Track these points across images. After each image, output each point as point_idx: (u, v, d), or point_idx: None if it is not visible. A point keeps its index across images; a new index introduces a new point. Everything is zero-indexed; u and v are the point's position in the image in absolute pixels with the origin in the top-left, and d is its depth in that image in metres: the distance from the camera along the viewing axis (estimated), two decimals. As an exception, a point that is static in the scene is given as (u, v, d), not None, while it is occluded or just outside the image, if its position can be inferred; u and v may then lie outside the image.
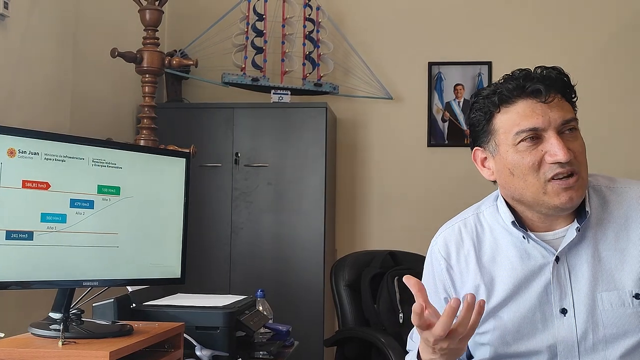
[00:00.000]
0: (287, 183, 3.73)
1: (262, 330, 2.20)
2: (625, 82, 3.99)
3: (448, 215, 1.69)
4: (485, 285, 1.51)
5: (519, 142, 1.42)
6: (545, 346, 1.47)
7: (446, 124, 4.06)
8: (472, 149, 1.55)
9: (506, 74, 1.48)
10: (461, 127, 4.04)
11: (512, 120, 1.43)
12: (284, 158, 3.73)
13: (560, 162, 1.38)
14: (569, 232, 1.47)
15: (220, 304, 2.01)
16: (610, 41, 3.99)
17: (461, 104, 4.05)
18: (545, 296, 1.47)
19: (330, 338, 2.93)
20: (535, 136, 1.41)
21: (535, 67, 1.46)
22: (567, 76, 1.46)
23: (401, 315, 2.71)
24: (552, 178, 1.40)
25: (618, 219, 1.48)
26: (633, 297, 1.43)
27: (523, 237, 1.49)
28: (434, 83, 4.08)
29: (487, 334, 1.50)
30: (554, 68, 1.45)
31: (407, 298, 2.74)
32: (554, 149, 1.39)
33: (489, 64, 4.03)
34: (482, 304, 1.29)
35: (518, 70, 1.46)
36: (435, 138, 4.07)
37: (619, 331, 1.43)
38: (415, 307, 1.27)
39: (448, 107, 4.06)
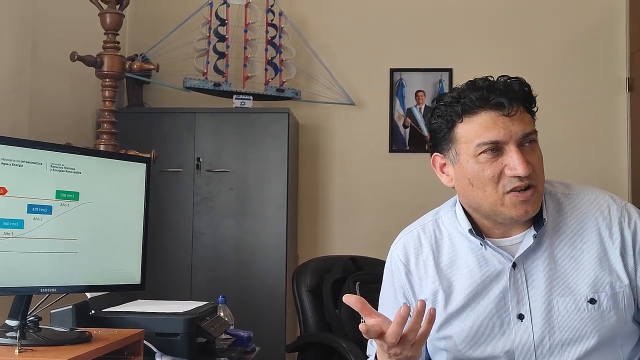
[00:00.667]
0: (249, 188, 3.72)
1: (224, 336, 2.18)
2: (578, 91, 4.07)
3: (409, 220, 1.69)
4: (444, 291, 1.53)
5: (480, 153, 1.43)
6: (502, 351, 1.48)
7: (407, 129, 4.09)
8: (431, 154, 1.56)
9: (469, 81, 1.48)
10: (422, 133, 4.07)
11: (474, 131, 1.43)
12: (246, 163, 3.72)
13: (519, 176, 1.40)
14: (525, 238, 1.49)
15: (181, 310, 1.99)
16: (566, 50, 4.07)
17: (422, 110, 4.08)
18: (503, 302, 1.49)
19: (292, 344, 2.93)
20: (496, 148, 1.42)
21: (499, 77, 1.47)
22: (529, 87, 1.47)
23: (363, 320, 2.72)
24: (510, 190, 1.42)
25: (573, 225, 1.51)
26: (588, 301, 1.45)
27: (480, 244, 1.51)
28: (396, 89, 4.11)
29: (445, 339, 1.51)
30: (517, 79, 1.47)
31: (369, 303, 2.75)
32: (514, 163, 1.40)
33: (449, 70, 4.07)
34: (433, 312, 1.30)
35: (481, 78, 1.47)
36: (396, 144, 4.10)
37: (574, 335, 1.45)
38: (361, 327, 1.28)
39: (409, 113, 4.10)
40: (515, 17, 4.11)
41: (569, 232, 1.51)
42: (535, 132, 1.45)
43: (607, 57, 4.07)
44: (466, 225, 1.52)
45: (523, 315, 1.48)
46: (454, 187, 1.54)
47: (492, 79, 1.46)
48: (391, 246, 1.65)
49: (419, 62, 4.11)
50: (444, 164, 1.54)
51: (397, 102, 4.11)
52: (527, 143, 1.44)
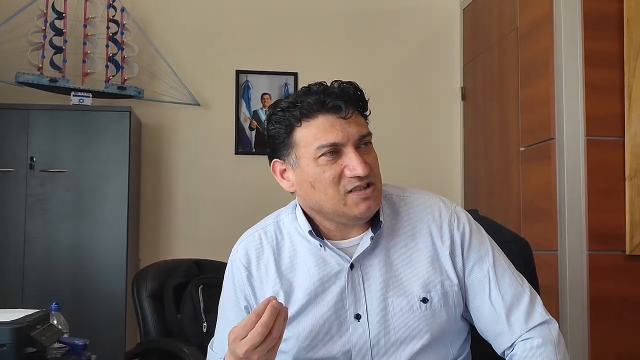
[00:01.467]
0: (87, 190, 3.56)
1: (56, 345, 2.07)
2: (416, 98, 4.26)
3: (254, 222, 1.68)
4: (284, 293, 1.53)
5: (320, 156, 1.45)
6: (340, 352, 1.51)
7: (253, 132, 4.09)
8: (270, 161, 1.56)
9: (304, 87, 1.51)
10: (268, 135, 4.08)
11: (313, 134, 1.46)
12: (84, 163, 3.56)
13: (359, 176, 1.44)
14: (363, 240, 1.53)
15: (8, 319, 1.86)
16: (404, 59, 4.24)
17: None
18: (341, 302, 1.52)
19: (131, 350, 2.83)
20: (335, 151, 1.46)
21: (332, 82, 1.50)
22: (362, 92, 1.52)
23: (205, 324, 2.68)
24: (351, 190, 1.45)
25: (407, 227, 1.57)
26: (420, 301, 1.51)
27: (320, 245, 1.53)
28: (242, 91, 4.10)
29: (285, 341, 1.51)
30: (350, 83, 1.51)
31: (212, 307, 2.72)
32: (353, 164, 1.44)
33: (295, 74, 4.12)
34: (286, 311, 1.31)
35: (315, 84, 1.50)
36: (242, 146, 4.09)
37: (408, 334, 1.51)
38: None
39: (255, 115, 4.10)
40: (358, 26, 4.22)
41: (403, 234, 1.56)
42: (370, 134, 1.51)
43: (443, 68, 4.28)
44: (306, 226, 1.53)
45: (360, 315, 1.51)
46: (293, 193, 1.56)
47: (326, 84, 1.50)
48: (232, 249, 1.63)
49: (265, 65, 4.12)
50: (284, 170, 1.55)
51: (243, 104, 4.10)
52: (363, 145, 1.49)
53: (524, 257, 1.93)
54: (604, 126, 2.84)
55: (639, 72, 2.81)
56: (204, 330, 2.65)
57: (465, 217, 1.60)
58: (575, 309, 2.78)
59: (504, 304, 1.53)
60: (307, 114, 1.46)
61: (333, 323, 1.51)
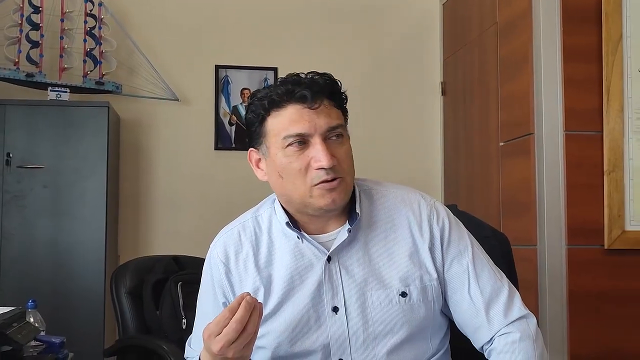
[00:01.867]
0: (65, 186, 3.52)
1: (33, 343, 2.05)
2: (396, 93, 4.25)
3: (233, 219, 1.68)
4: (264, 287, 1.53)
5: (287, 146, 1.46)
6: (319, 345, 1.51)
7: (233, 127, 4.07)
8: (248, 150, 1.57)
9: (280, 78, 1.51)
10: (248, 131, 4.06)
11: (281, 124, 1.47)
12: (61, 159, 3.52)
13: (325, 168, 1.44)
14: (340, 233, 1.53)
15: (-17, 317, 1.84)
16: (385, 54, 4.24)
17: (248, 108, 4.07)
18: (319, 295, 1.51)
19: (110, 348, 2.80)
20: (303, 141, 1.46)
21: (307, 73, 1.51)
22: (336, 83, 1.52)
23: (184, 321, 2.66)
24: (318, 183, 1.45)
25: (386, 221, 1.57)
26: (400, 295, 1.51)
27: (297, 237, 1.53)
28: (221, 86, 4.07)
29: (264, 337, 1.51)
30: (324, 74, 1.51)
31: (191, 304, 2.70)
32: (319, 155, 1.44)
33: (274, 69, 4.10)
34: (261, 307, 1.30)
35: (292, 75, 1.50)
36: (222, 141, 4.06)
37: (386, 328, 1.51)
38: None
39: (235, 110, 4.08)
40: (338, 21, 4.21)
41: (382, 228, 1.56)
42: (342, 126, 1.50)
43: (423, 63, 4.28)
44: (284, 218, 1.53)
45: (338, 308, 1.51)
46: (267, 182, 1.56)
47: (299, 75, 1.50)
48: (211, 245, 1.62)
49: (244, 60, 4.10)
50: (259, 159, 1.56)
51: (223, 99, 4.07)
52: (334, 137, 1.48)
53: (503, 251, 1.94)
54: (582, 121, 2.86)
55: (617, 66, 2.83)
56: (183, 326, 2.63)
57: (444, 212, 1.60)
58: (555, 303, 2.80)
59: (482, 299, 1.54)
60: (277, 103, 1.47)
61: (311, 316, 1.51)
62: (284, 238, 1.55)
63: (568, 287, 2.78)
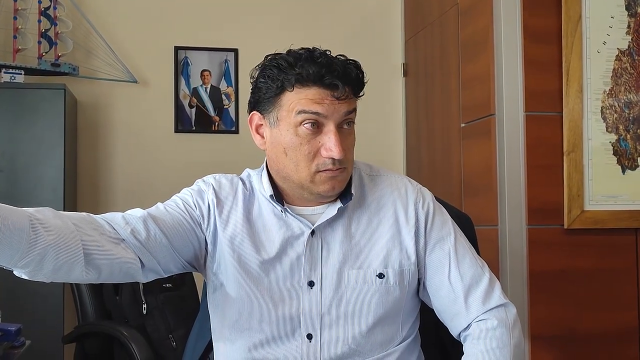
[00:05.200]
0: (21, 170, 3.44)
1: (-12, 331, 2.00)
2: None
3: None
4: (250, 240, 1.52)
5: (300, 124, 1.43)
6: (288, 316, 1.50)
7: (193, 110, 4.02)
8: (249, 111, 1.54)
9: (307, 50, 1.48)
10: (209, 113, 4.02)
11: (300, 101, 1.44)
12: (16, 143, 3.44)
13: (333, 158, 1.44)
14: (329, 209, 1.53)
15: None
16: (346, 35, 4.20)
17: (208, 90, 4.02)
18: (296, 267, 1.51)
19: (68, 334, 2.76)
20: (316, 123, 1.44)
21: (338, 55, 1.49)
22: (363, 74, 1.51)
23: (145, 305, 2.63)
24: (322, 170, 1.46)
25: (372, 203, 1.58)
26: (377, 276, 1.51)
27: (281, 210, 1.53)
28: (181, 68, 4.01)
29: (248, 298, 1.52)
30: (354, 64, 1.49)
31: (151, 288, 2.67)
32: (331, 144, 1.44)
33: (235, 50, 4.05)
34: None
35: (320, 53, 1.47)
36: (182, 124, 4.01)
37: (360, 308, 1.51)
38: None
39: (195, 93, 4.02)
40: (298, 2, 4.17)
41: (367, 209, 1.57)
42: (354, 110, 1.50)
43: (385, 44, 4.26)
44: (268, 191, 1.53)
45: (313, 282, 1.51)
46: (264, 150, 1.55)
47: (330, 57, 1.47)
48: (203, 178, 1.62)
49: (204, 41, 4.04)
50: (261, 125, 1.53)
51: (183, 82, 4.01)
52: (346, 125, 1.48)
53: (467, 233, 1.94)
54: (542, 102, 2.87)
55: (577, 47, 2.84)
56: (144, 312, 2.61)
57: (430, 198, 1.62)
58: (516, 283, 2.82)
59: (462, 285, 1.54)
60: (303, 82, 1.43)
61: (285, 286, 1.51)
62: (271, 207, 1.55)
63: (529, 267, 2.81)
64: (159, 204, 1.60)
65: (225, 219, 1.54)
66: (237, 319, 1.52)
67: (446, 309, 1.57)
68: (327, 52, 1.50)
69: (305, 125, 1.44)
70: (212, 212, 1.55)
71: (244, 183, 1.60)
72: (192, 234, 1.52)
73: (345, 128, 1.48)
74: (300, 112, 1.43)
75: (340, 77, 1.45)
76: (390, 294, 1.52)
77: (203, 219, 1.54)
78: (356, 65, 1.51)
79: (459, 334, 1.58)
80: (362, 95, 1.54)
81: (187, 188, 1.62)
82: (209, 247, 1.55)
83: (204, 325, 1.73)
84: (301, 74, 1.43)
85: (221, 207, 1.55)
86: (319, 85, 1.44)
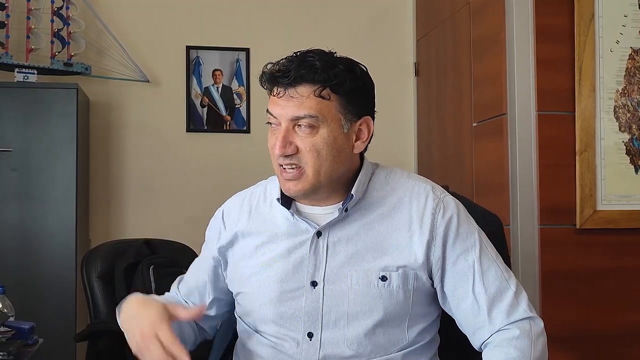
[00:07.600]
0: (34, 170, 3.46)
1: (2, 329, 2.02)
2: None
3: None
4: (256, 242, 1.61)
5: (267, 122, 1.53)
6: (289, 315, 1.52)
7: (205, 109, 4.02)
8: None
9: (291, 55, 1.51)
10: (220, 112, 4.02)
11: (270, 100, 1.52)
12: (30, 142, 3.46)
13: (278, 155, 1.49)
14: (336, 210, 1.55)
15: (-51, 304, 1.80)
16: (358, 34, 4.19)
17: (220, 89, 4.03)
18: (300, 267, 1.53)
19: (81, 333, 2.77)
20: (276, 123, 1.50)
21: (298, 53, 1.51)
22: (319, 70, 1.47)
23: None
24: (280, 167, 1.51)
25: (387, 206, 1.56)
26: (379, 278, 1.50)
27: (290, 212, 1.56)
28: (192, 67, 4.02)
29: (248, 295, 1.61)
30: (310, 58, 1.49)
31: (163, 287, 2.67)
32: (273, 141, 1.50)
33: (247, 50, 4.05)
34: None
35: (301, 54, 1.51)
36: (194, 123, 4.02)
37: (360, 309, 1.50)
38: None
39: (207, 92, 4.03)
40: (311, 1, 4.17)
41: (380, 212, 1.56)
42: (309, 116, 1.46)
43: (396, 43, 4.25)
44: (276, 194, 1.58)
45: (316, 282, 1.52)
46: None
47: (301, 57, 1.49)
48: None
49: (216, 40, 4.04)
50: None
51: (194, 81, 4.02)
52: (303, 127, 1.47)
53: (491, 233, 1.89)
54: (554, 101, 2.86)
55: (589, 46, 2.83)
56: (156, 310, 2.60)
57: (453, 207, 1.57)
58: (528, 283, 2.81)
59: (486, 298, 1.51)
60: (268, 83, 1.52)
61: (288, 286, 1.53)
62: (282, 209, 1.59)
63: (541, 267, 2.80)
64: (194, 263, 1.78)
65: (232, 229, 1.64)
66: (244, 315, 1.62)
67: (469, 321, 1.54)
68: (333, 53, 1.58)
69: (269, 123, 1.52)
70: (221, 234, 1.66)
71: (257, 193, 1.67)
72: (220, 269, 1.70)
73: (303, 129, 1.47)
74: (267, 112, 1.52)
75: (284, 75, 1.46)
76: (393, 297, 1.50)
77: (219, 251, 1.66)
78: (310, 62, 1.47)
79: (480, 345, 1.55)
80: (347, 94, 1.54)
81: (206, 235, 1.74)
82: (222, 263, 1.68)
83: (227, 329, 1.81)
84: (266, 74, 1.51)
85: (229, 222, 1.66)
86: (277, 86, 1.49)
